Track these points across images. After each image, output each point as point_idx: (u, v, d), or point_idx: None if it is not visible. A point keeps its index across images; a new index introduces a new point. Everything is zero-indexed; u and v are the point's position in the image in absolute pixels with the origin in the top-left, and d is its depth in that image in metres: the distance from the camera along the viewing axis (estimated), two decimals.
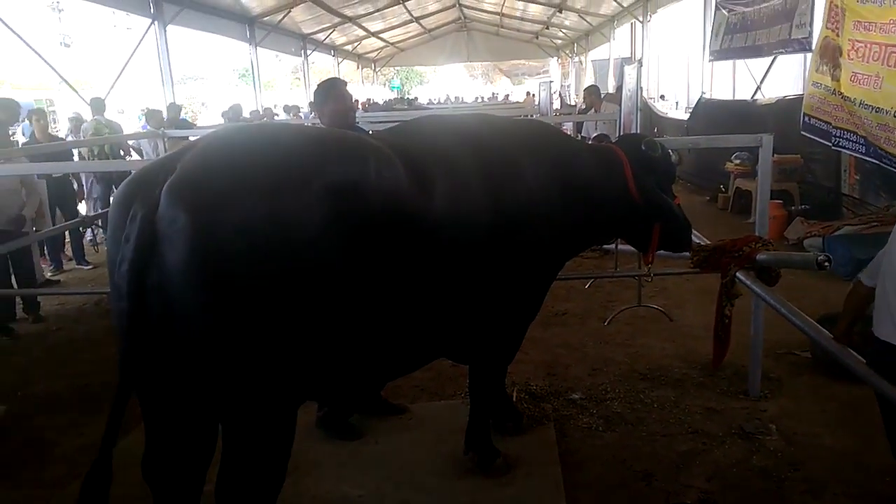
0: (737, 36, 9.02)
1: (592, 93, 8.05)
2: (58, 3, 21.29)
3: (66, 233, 6.59)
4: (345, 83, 3.07)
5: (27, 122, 6.79)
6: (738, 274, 2.33)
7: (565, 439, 2.82)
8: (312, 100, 3.04)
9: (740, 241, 2.41)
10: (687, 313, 4.35)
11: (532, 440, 2.77)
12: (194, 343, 1.46)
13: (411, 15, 18.83)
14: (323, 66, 21.19)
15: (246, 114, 10.77)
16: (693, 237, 2.68)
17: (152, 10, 9.39)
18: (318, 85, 3.01)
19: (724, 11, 9.46)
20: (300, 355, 1.57)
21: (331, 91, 2.93)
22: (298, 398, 1.71)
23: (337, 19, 15.73)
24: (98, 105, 7.77)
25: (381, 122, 7.74)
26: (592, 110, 7.84)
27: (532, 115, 8.72)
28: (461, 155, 2.00)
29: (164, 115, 8.79)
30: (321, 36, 16.96)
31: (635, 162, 2.44)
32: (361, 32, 19.06)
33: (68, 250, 6.91)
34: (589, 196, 2.31)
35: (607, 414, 3.05)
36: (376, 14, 17.02)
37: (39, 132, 6.29)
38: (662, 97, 16.82)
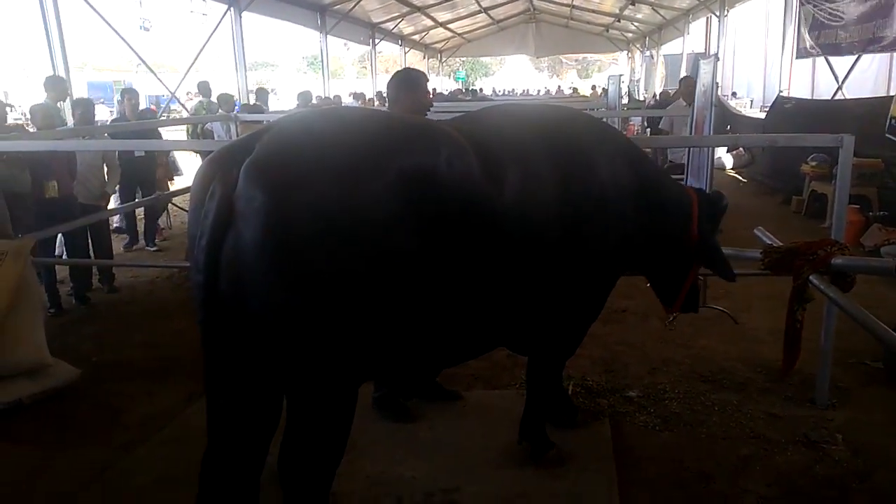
0: (824, 32, 8.64)
1: (690, 84, 7.41)
2: None
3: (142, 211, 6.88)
4: (425, 76, 3.04)
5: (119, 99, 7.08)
6: (811, 277, 2.25)
7: (621, 436, 2.78)
8: (385, 89, 3.01)
9: (815, 244, 2.33)
10: (753, 317, 4.21)
11: (587, 435, 2.75)
12: (265, 318, 1.52)
13: (480, 5, 18.73)
14: (389, 55, 21.37)
15: (314, 101, 10.98)
16: (765, 237, 2.60)
17: None
18: (396, 74, 2.96)
19: (809, 6, 9.08)
20: (366, 335, 1.61)
21: (411, 82, 2.88)
22: (361, 377, 1.76)
23: (406, 9, 15.82)
24: (204, 88, 8.21)
25: (446, 111, 7.76)
26: (683, 102, 7.46)
27: (599, 109, 8.56)
28: (533, 144, 1.98)
29: (237, 98, 9.07)
30: (389, 25, 17.10)
31: (703, 205, 2.41)
32: (429, 22, 19.11)
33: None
34: (653, 207, 2.26)
35: (665, 413, 3.00)
36: (446, 4, 17.01)
37: (130, 110, 6.57)
38: (734, 94, 16.29)
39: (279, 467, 1.72)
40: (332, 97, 12.21)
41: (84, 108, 5.49)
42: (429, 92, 2.95)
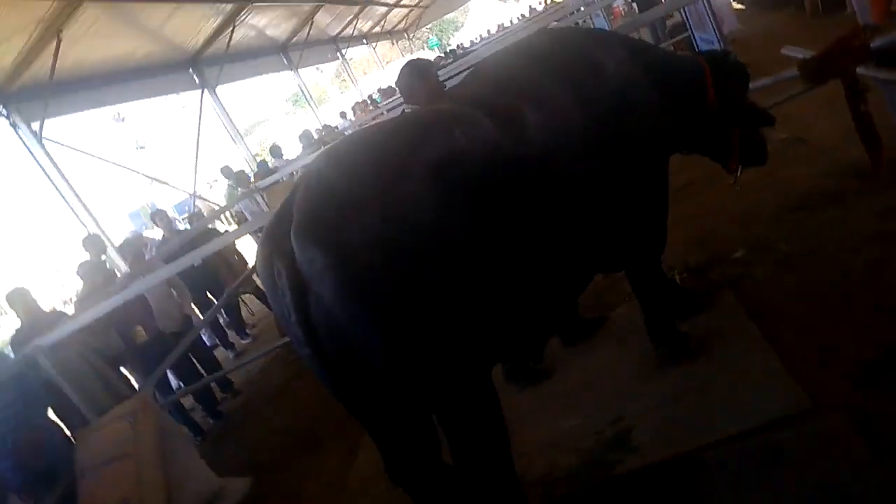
0: None
1: None
2: (118, 114, 22.81)
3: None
4: (430, 62, 3.06)
5: (154, 225, 7.26)
6: (859, 70, 2.18)
7: (747, 297, 2.76)
8: (376, 91, 3.06)
9: (846, 38, 2.25)
10: (819, 130, 4.05)
11: (715, 311, 2.75)
12: (378, 357, 1.59)
13: None
14: (361, 59, 21.24)
15: (315, 135, 11.07)
16: (795, 53, 2.52)
17: (197, 81, 9.82)
18: (403, 68, 2.98)
19: None
20: (470, 324, 1.65)
21: (421, 70, 2.91)
22: (486, 365, 1.81)
23: (356, 7, 15.70)
24: (227, 172, 8.56)
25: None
26: None
27: (579, 9, 8.31)
28: (533, 79, 1.97)
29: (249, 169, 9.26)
30: (349, 31, 17.03)
31: (716, 70, 2.37)
32: (382, 9, 18.90)
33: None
34: (668, 88, 2.22)
35: (777, 258, 2.95)
36: None
37: (166, 230, 6.81)
38: None
39: (460, 475, 1.80)
40: (322, 129, 12.23)
41: (134, 248, 5.75)
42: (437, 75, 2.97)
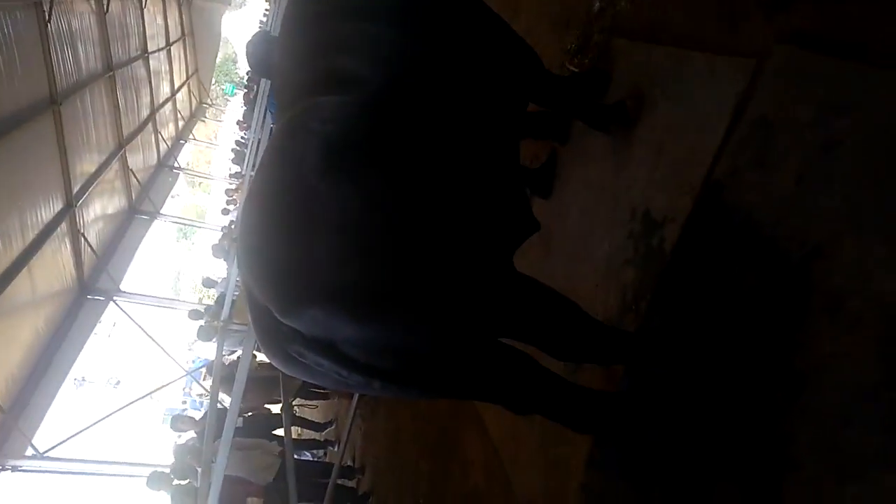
0: None
1: None
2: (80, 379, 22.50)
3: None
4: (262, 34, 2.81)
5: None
6: None
7: (634, 33, 2.72)
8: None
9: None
10: None
11: (623, 65, 2.71)
12: (428, 335, 1.55)
13: None
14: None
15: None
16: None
17: (97, 297, 9.51)
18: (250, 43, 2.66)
19: None
20: (470, 250, 1.58)
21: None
22: (506, 254, 1.77)
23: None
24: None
25: None
26: None
27: None
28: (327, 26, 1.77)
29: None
30: None
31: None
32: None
33: None
34: None
35: None
36: None
37: (193, 426, 6.74)
38: None
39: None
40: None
41: (178, 460, 5.69)
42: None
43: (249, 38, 2.72)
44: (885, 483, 1.36)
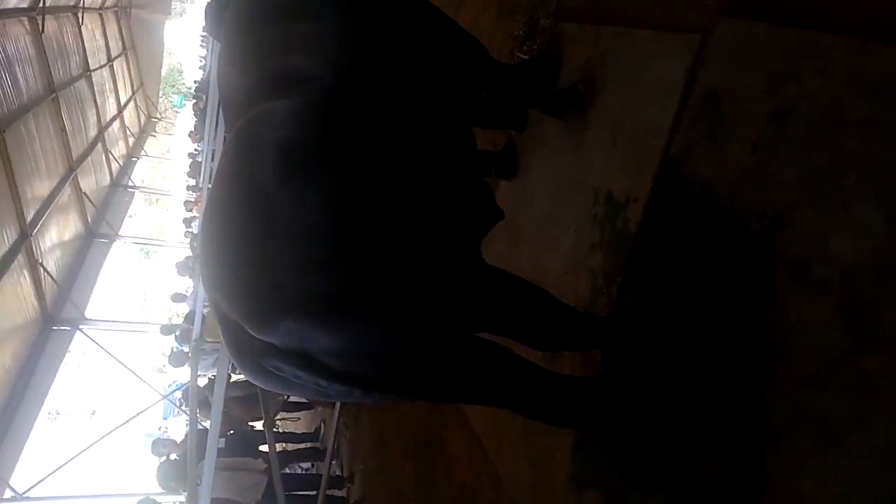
0: None
1: None
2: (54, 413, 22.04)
3: None
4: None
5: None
6: None
7: (579, 14, 2.72)
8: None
9: None
10: None
11: (572, 47, 2.71)
12: (400, 335, 1.51)
13: None
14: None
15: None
16: None
17: (63, 327, 9.26)
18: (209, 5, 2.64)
19: None
20: (434, 262, 1.55)
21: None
22: (472, 249, 1.73)
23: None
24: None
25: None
26: None
27: None
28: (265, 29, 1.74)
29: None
30: None
31: None
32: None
33: None
34: None
35: None
36: None
37: (173, 449, 6.63)
38: None
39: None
40: None
41: (162, 481, 5.60)
42: None
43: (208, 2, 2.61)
44: (864, 444, 1.37)
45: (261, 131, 1.49)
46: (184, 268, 11.15)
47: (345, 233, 1.42)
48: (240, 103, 1.70)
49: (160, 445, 6.67)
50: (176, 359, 8.19)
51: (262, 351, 1.47)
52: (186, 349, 8.60)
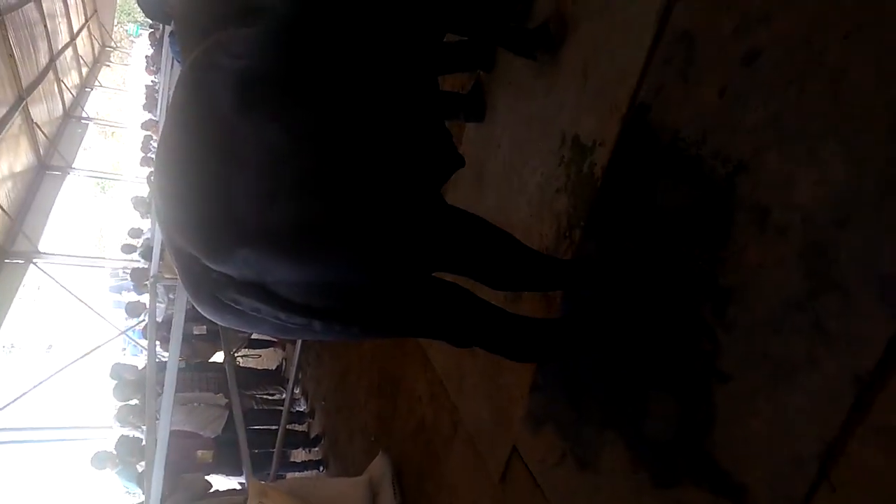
0: None
1: None
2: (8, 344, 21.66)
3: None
4: None
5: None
6: None
7: None
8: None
9: None
10: None
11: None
12: (364, 264, 1.48)
13: None
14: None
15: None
16: None
17: (15, 260, 9.02)
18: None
19: None
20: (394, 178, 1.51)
21: None
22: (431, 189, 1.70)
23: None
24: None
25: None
26: None
27: None
28: None
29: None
30: None
31: None
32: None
33: None
34: None
35: None
36: None
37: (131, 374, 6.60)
38: None
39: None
40: None
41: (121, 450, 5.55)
42: None
43: None
44: (813, 385, 1.42)
45: (218, 61, 1.43)
46: (140, 203, 10.87)
47: (309, 163, 1.38)
48: (196, 31, 1.62)
49: (119, 369, 6.64)
50: (132, 309, 8.14)
51: (218, 283, 1.43)
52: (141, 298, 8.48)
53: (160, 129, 9.13)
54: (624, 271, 1.98)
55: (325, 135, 1.41)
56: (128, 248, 10.14)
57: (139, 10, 2.68)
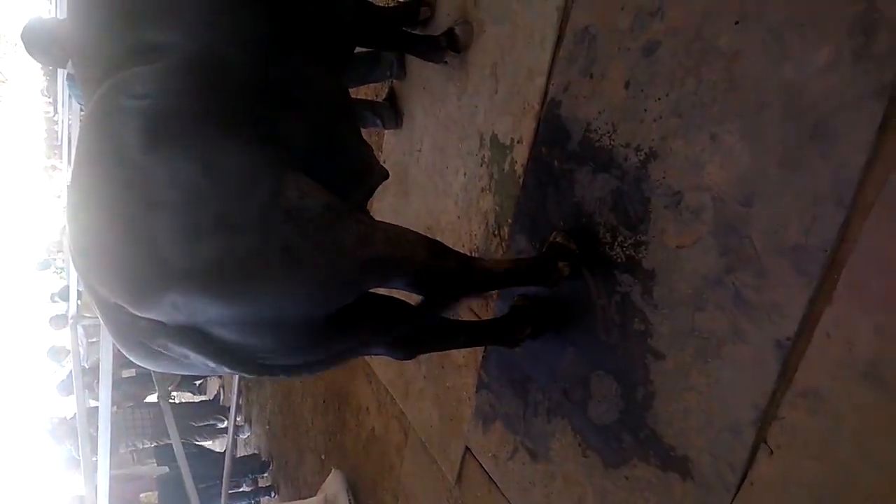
0: None
1: None
2: None
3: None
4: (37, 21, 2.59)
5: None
6: None
7: None
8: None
9: None
10: None
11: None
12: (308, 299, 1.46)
13: None
14: None
15: None
16: None
17: None
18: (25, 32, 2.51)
19: None
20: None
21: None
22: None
23: None
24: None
25: None
26: None
27: None
28: None
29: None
30: None
31: None
32: None
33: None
34: None
35: None
36: None
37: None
38: None
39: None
40: None
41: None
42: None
43: (22, 29, 2.44)
44: (740, 355, 1.50)
45: (121, 102, 1.38)
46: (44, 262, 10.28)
47: (226, 197, 1.36)
48: (95, 71, 1.55)
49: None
50: (55, 354, 7.76)
51: (146, 331, 1.39)
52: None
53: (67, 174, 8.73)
54: (552, 266, 2.00)
55: (237, 167, 1.37)
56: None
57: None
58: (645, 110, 1.73)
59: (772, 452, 1.45)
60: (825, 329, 1.35)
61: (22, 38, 2.49)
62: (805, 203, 1.37)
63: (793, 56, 1.38)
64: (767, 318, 1.44)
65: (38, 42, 2.49)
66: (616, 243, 1.83)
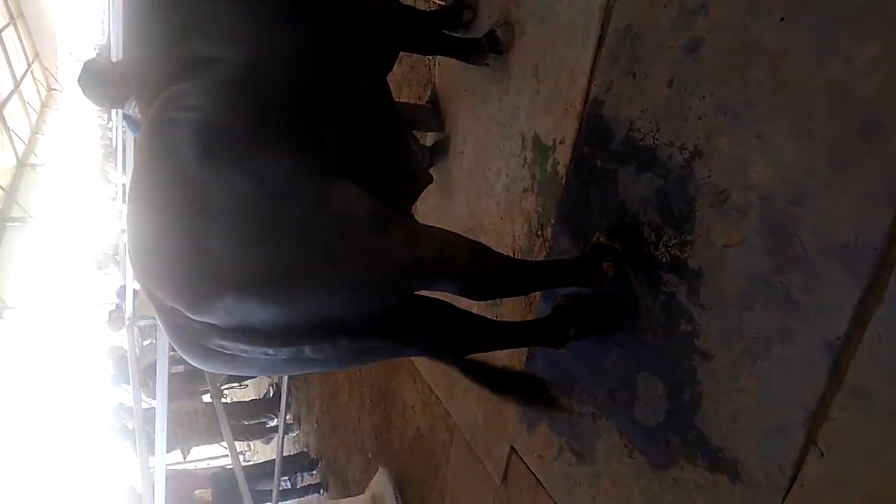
0: None
1: None
2: None
3: None
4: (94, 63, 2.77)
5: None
6: None
7: None
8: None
9: None
10: None
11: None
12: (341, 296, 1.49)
13: None
14: None
15: None
16: None
17: None
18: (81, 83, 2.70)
19: None
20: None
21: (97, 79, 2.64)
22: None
23: None
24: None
25: None
26: None
27: None
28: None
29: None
30: None
31: None
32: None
33: None
34: None
35: None
36: None
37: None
38: None
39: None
40: None
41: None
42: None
43: (79, 73, 2.60)
44: (789, 356, 1.48)
45: (173, 115, 1.46)
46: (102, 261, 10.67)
47: (278, 206, 1.41)
48: (149, 89, 1.63)
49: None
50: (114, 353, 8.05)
51: (202, 333, 1.45)
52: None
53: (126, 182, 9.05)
54: (596, 268, 2.00)
55: (288, 177, 1.43)
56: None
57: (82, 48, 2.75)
58: (689, 109, 1.72)
59: (822, 454, 1.43)
60: (876, 329, 1.32)
61: (79, 83, 2.63)
62: (855, 201, 1.34)
63: (840, 52, 1.36)
64: (817, 319, 1.42)
65: (94, 84, 2.65)
66: (661, 243, 1.82)
